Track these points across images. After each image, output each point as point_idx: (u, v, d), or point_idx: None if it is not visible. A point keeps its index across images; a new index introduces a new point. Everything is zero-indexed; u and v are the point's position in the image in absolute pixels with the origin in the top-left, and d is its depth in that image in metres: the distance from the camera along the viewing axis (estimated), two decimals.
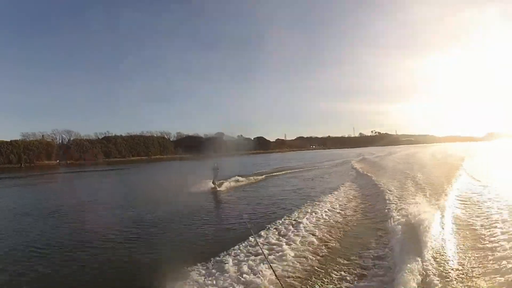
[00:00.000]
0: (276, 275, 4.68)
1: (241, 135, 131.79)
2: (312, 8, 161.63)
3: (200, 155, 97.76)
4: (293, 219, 10.15)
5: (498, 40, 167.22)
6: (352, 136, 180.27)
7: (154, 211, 12.51)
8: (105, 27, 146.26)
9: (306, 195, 15.04)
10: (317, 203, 12.64)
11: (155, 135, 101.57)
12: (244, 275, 5.93)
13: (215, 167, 19.00)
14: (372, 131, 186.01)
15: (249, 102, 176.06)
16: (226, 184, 18.97)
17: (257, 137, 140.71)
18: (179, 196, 15.84)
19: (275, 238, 8.24)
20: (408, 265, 6.02)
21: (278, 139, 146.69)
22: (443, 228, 8.79)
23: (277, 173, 27.37)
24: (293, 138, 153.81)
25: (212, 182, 18.13)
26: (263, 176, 25.09)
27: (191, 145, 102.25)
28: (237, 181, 20.61)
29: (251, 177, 23.43)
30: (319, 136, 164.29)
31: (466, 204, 12.10)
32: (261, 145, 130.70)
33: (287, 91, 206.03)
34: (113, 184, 28.12)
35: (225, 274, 6.01)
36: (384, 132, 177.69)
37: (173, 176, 31.35)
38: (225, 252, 7.05)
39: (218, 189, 17.75)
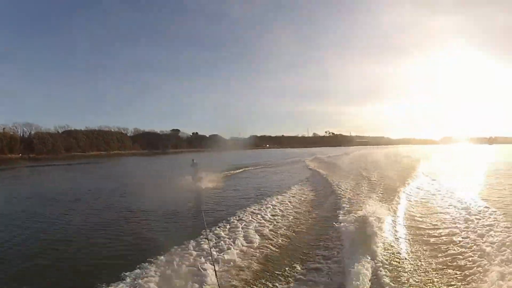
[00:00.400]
0: (216, 275, 4.52)
1: (196, 133, 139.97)
2: (275, 9, 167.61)
3: (156, 151, 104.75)
4: (246, 216, 10.47)
5: (460, 47, 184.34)
6: (306, 136, 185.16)
7: (129, 207, 12.99)
8: (69, 23, 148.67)
9: (263, 192, 15.92)
10: (271, 200, 13.01)
11: (112, 130, 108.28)
12: (187, 274, 5.97)
13: (194, 164, 19.56)
14: (326, 132, 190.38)
15: (207, 100, 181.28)
16: (205, 180, 19.06)
17: (213, 135, 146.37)
18: (159, 193, 16.12)
19: (226, 234, 8.46)
20: (359, 260, 6.26)
21: (233, 137, 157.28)
22: (395, 225, 9.35)
23: (239, 170, 29.16)
24: (247, 137, 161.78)
25: (192, 178, 18.77)
26: (236, 171, 27.86)
27: (148, 141, 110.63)
28: (215, 176, 20.97)
29: (224, 173, 24.95)
30: (273, 135, 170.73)
31: (418, 202, 12.91)
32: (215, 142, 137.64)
33: (245, 90, 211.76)
34: (89, 179, 28.56)
35: (168, 271, 6.07)
36: (338, 133, 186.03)
37: (148, 173, 32.64)
38: (174, 249, 7.20)
39: (198, 184, 18.10)
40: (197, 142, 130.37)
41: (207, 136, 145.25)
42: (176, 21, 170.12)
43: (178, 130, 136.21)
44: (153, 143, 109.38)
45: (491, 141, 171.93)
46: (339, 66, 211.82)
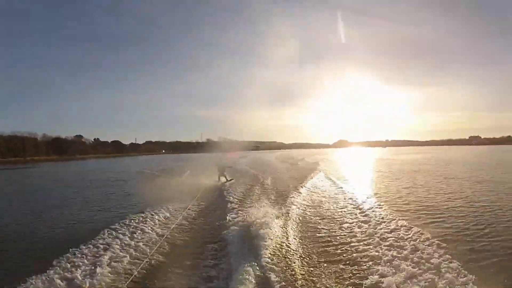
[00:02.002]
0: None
1: (98, 138, 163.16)
2: (172, 10, 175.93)
3: (67, 157, 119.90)
4: (137, 219, 11.40)
5: (351, 59, 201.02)
6: (200, 141, 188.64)
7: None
8: None
9: (154, 196, 16.19)
10: (160, 205, 13.59)
11: (25, 136, 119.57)
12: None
13: (221, 168, 23.81)
14: (219, 137, 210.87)
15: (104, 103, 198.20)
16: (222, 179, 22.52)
17: (113, 141, 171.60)
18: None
19: (118, 235, 9.37)
20: (246, 263, 6.67)
21: (132, 143, 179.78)
22: (285, 225, 10.01)
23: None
24: (142, 143, 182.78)
25: (221, 178, 22.87)
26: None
27: (57, 147, 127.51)
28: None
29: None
30: (167, 141, 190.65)
31: (309, 200, 13.98)
32: (117, 148, 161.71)
33: (140, 94, 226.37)
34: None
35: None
36: (232, 139, 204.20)
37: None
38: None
39: (225, 182, 22.17)
40: (100, 148, 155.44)
41: (109, 142, 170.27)
42: (73, 16, 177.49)
43: (81, 136, 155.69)
44: (61, 149, 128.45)
45: (384, 144, 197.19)
46: (233, 72, 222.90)
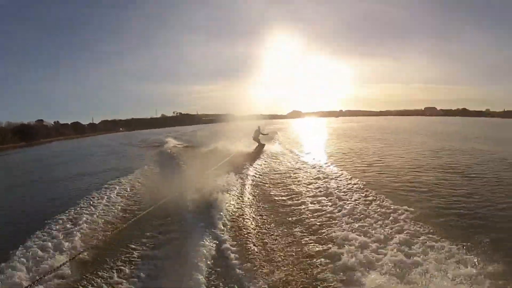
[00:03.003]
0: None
1: (58, 121, 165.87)
2: None
3: (35, 142, 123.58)
4: (90, 199, 11.45)
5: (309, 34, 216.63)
6: (155, 117, 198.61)
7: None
8: None
9: (108, 173, 17.68)
10: (118, 180, 14.05)
11: None
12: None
13: (257, 131, 24.91)
14: (174, 112, 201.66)
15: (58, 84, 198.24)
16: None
17: (73, 122, 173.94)
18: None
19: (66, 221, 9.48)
20: (203, 235, 6.78)
21: (90, 123, 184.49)
22: (242, 195, 10.20)
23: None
24: (98, 122, 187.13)
25: (259, 144, 24.62)
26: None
27: (23, 133, 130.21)
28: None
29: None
30: (123, 118, 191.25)
31: (267, 171, 14.20)
32: (78, 129, 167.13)
33: (87, 74, 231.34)
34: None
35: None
36: (185, 113, 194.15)
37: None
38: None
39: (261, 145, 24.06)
40: (63, 130, 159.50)
41: (69, 124, 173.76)
42: None
43: (42, 120, 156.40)
44: (27, 135, 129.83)
45: (337, 114, 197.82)
46: (183, 47, 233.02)
